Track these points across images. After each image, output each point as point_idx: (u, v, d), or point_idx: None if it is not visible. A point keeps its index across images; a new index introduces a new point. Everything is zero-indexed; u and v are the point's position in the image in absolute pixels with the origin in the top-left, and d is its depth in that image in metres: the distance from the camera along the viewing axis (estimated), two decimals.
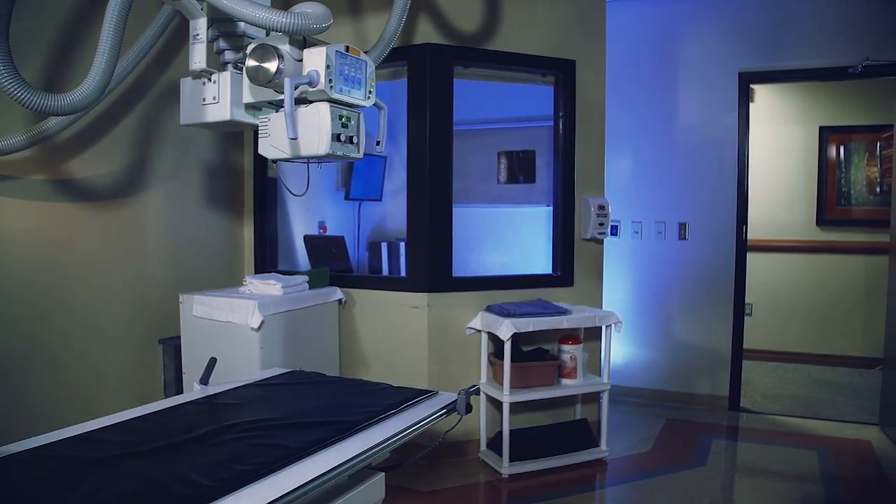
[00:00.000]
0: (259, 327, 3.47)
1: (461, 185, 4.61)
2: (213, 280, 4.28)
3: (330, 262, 4.74)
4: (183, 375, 3.79)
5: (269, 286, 3.78)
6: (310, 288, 4.01)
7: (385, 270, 5.06)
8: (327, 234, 5.23)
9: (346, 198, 5.31)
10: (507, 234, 5.07)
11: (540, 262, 4.68)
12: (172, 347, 3.88)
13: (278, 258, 4.82)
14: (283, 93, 2.04)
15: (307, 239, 4.91)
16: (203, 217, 4.32)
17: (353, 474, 1.91)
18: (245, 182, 4.66)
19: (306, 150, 2.18)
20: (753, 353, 6.62)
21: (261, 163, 4.58)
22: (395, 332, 4.23)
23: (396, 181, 5.13)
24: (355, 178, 5.21)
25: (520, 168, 5.06)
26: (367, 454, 1.83)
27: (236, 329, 3.53)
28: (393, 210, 5.33)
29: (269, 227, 4.73)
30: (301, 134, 2.15)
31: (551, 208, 4.64)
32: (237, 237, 4.62)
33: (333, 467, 1.70)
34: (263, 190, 4.65)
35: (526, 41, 4.35)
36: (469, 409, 2.23)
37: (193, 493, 1.49)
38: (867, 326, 6.61)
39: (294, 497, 1.55)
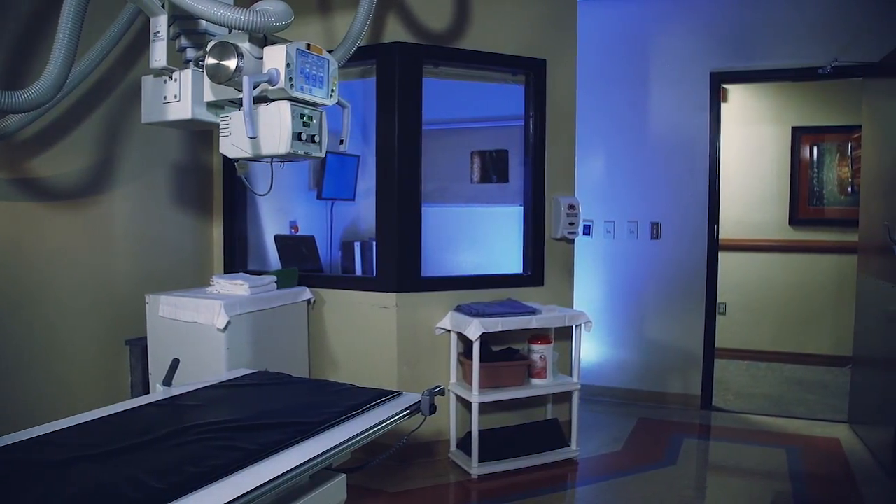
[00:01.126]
0: (225, 328, 3.44)
1: (435, 185, 4.59)
2: (182, 280, 4.23)
3: (301, 261, 4.71)
4: (150, 377, 3.74)
5: (237, 286, 3.75)
6: (278, 288, 3.99)
7: (358, 270, 5.03)
8: (298, 233, 5.18)
9: (319, 197, 5.26)
10: (480, 234, 5.06)
11: (514, 261, 4.67)
12: (139, 348, 3.83)
13: (248, 258, 4.77)
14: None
15: (278, 238, 4.86)
16: (171, 216, 4.27)
17: (314, 476, 1.90)
18: (214, 181, 4.61)
19: (267, 148, 2.17)
20: (727, 352, 6.69)
21: (230, 161, 4.52)
22: (365, 333, 4.21)
23: (370, 180, 5.06)
24: (328, 177, 5.16)
25: (493, 167, 5.05)
26: (326, 455, 1.81)
27: (202, 330, 3.50)
28: (366, 209, 5.28)
29: (239, 227, 4.69)
30: (262, 133, 2.13)
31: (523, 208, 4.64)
32: (206, 237, 4.57)
33: (291, 469, 1.68)
34: (233, 189, 4.60)
35: (496, 40, 4.34)
36: (433, 409, 2.22)
37: (144, 495, 1.46)
38: (838, 325, 6.66)
39: (250, 499, 1.53)
